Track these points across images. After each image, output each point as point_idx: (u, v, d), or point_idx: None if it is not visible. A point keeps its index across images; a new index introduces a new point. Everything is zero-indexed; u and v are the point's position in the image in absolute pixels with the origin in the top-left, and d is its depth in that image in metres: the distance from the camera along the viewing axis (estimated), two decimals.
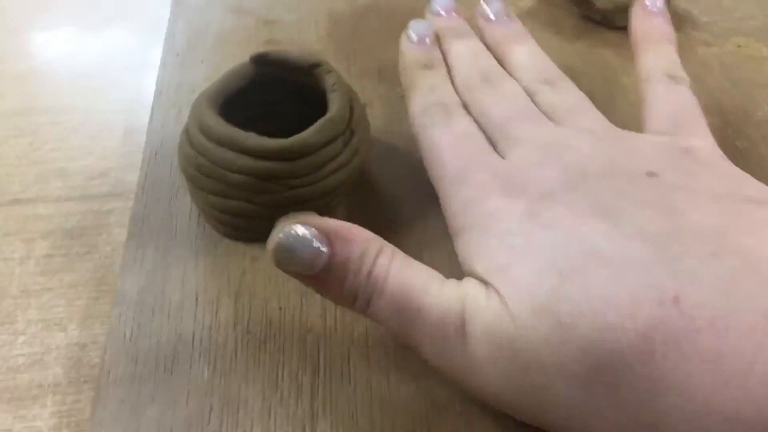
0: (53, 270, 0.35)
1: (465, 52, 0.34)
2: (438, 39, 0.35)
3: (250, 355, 0.30)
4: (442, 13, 0.36)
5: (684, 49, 0.46)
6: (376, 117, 0.41)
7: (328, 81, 0.34)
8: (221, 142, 0.31)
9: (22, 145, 0.42)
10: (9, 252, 0.36)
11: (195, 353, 0.30)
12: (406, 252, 0.26)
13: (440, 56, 0.34)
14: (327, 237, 0.25)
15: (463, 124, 0.30)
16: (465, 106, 0.31)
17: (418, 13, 0.46)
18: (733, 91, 0.43)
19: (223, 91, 0.34)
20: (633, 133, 0.30)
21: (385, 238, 0.25)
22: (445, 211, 0.29)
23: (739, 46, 0.46)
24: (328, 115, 0.32)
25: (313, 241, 0.24)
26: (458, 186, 0.28)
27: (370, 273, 0.25)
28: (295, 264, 0.25)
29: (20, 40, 0.51)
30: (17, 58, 0.49)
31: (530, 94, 0.32)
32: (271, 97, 0.37)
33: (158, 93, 0.43)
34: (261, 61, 0.35)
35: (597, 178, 0.26)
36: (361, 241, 0.25)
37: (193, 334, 0.30)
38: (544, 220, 0.25)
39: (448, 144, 0.29)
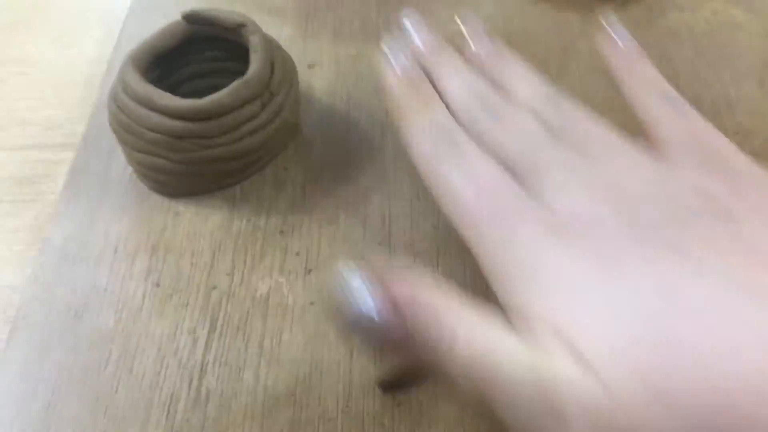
0: None
1: (457, 81, 0.29)
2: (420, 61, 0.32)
3: (155, 308, 0.31)
4: (421, 47, 0.32)
5: (654, 12, 0.44)
6: (322, 78, 0.41)
7: (252, 41, 0.34)
8: (139, 101, 0.32)
9: None
10: None
11: (105, 303, 0.31)
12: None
13: (431, 88, 0.30)
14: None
15: (485, 167, 0.26)
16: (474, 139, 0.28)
17: None
18: (695, 62, 0.41)
19: (150, 50, 0.34)
20: (670, 166, 0.25)
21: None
22: (478, 255, 0.25)
23: (715, 13, 0.44)
24: (245, 77, 0.32)
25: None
26: (497, 234, 0.25)
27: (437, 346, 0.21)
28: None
29: None
30: None
31: (538, 121, 0.29)
32: (214, 53, 0.38)
33: (118, 45, 0.44)
34: (192, 19, 0.35)
35: (657, 220, 0.23)
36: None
37: (107, 284, 0.32)
38: (615, 271, 0.22)
39: (474, 193, 0.26)
